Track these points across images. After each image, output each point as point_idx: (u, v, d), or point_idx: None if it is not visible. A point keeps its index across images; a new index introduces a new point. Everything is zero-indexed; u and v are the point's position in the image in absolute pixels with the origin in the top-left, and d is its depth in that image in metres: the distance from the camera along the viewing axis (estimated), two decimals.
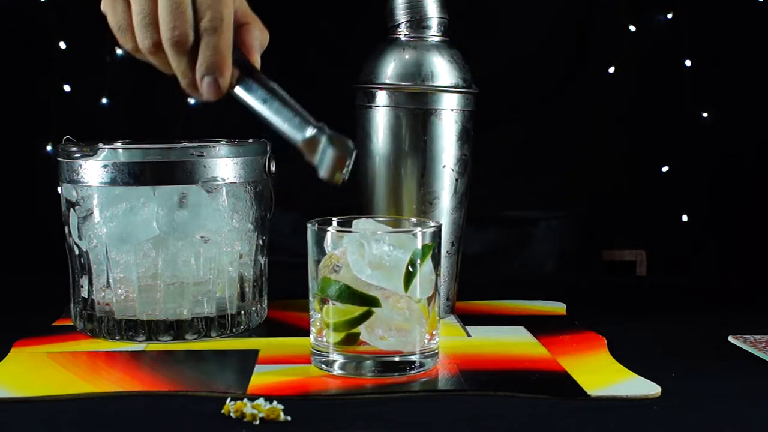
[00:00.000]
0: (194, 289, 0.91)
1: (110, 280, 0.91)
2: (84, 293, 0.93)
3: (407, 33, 0.97)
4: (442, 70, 0.96)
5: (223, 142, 0.94)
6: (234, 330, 0.93)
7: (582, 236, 1.31)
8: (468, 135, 0.99)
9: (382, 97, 0.97)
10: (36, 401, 0.75)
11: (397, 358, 0.80)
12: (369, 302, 0.79)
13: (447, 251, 0.99)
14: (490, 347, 0.90)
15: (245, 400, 0.71)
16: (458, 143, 0.98)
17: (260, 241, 0.96)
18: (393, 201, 0.98)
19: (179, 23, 0.75)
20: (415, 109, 0.96)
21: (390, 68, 0.97)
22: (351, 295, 0.79)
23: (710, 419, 0.71)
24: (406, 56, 0.97)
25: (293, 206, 1.18)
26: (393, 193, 0.98)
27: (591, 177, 1.32)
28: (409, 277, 0.79)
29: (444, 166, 0.97)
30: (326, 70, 1.24)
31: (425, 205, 0.98)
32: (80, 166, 0.90)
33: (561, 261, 1.30)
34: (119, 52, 1.26)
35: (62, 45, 1.27)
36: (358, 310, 0.79)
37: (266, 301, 0.99)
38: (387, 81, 0.97)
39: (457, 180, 0.98)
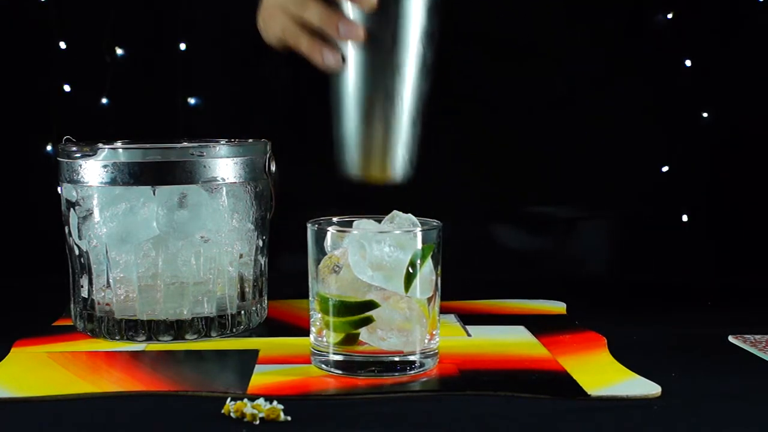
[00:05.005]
0: (194, 289, 0.91)
1: (110, 280, 0.91)
2: (84, 293, 0.93)
3: None
4: None
5: (223, 142, 0.94)
6: (234, 330, 0.93)
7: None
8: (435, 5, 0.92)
9: None
10: (36, 401, 0.75)
11: (397, 358, 0.80)
12: (367, 308, 0.79)
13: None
14: (490, 347, 0.90)
15: (245, 400, 0.71)
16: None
17: (260, 241, 0.96)
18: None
19: None
20: None
21: None
22: (347, 308, 0.79)
23: (710, 419, 0.71)
24: None
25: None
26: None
27: (592, 177, 1.31)
28: (409, 278, 0.79)
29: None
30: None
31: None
32: (80, 166, 0.90)
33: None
34: (119, 52, 1.26)
35: (62, 45, 1.27)
36: (357, 315, 0.79)
37: (266, 301, 0.99)
38: None
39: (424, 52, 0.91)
